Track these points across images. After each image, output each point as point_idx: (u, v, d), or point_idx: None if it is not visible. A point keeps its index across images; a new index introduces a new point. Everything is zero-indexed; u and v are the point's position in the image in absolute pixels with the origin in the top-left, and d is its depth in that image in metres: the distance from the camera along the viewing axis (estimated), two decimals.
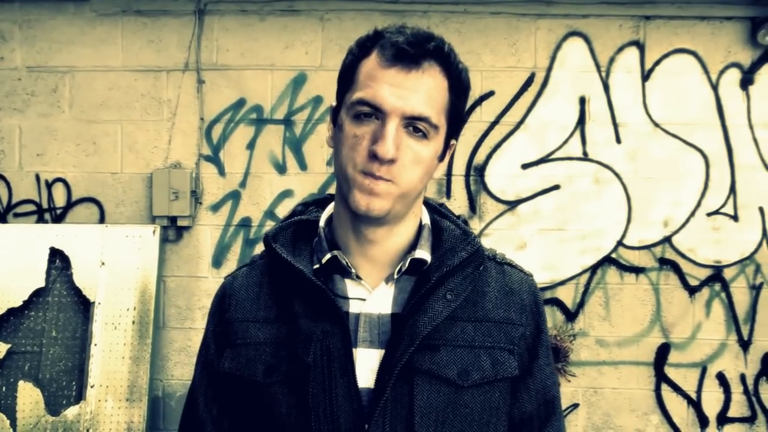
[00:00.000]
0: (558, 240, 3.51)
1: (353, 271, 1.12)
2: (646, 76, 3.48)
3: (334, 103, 1.13)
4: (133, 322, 3.30)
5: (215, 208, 3.53)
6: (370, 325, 1.10)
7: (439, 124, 1.06)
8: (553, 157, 3.49)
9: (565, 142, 3.49)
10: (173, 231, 3.51)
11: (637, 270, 3.50)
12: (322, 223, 1.19)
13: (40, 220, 3.52)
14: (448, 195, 3.51)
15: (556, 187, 3.49)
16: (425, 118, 1.03)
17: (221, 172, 3.52)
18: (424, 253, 1.13)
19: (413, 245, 1.15)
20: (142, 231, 3.40)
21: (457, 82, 1.08)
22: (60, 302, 3.36)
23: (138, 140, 3.53)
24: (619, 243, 3.51)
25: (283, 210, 3.50)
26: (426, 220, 1.19)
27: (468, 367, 1.09)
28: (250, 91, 3.50)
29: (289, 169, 3.51)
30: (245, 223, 3.51)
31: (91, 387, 3.24)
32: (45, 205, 3.52)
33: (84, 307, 3.35)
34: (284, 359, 1.09)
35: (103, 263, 3.34)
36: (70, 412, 3.25)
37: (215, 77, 3.51)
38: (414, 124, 1.04)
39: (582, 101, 3.49)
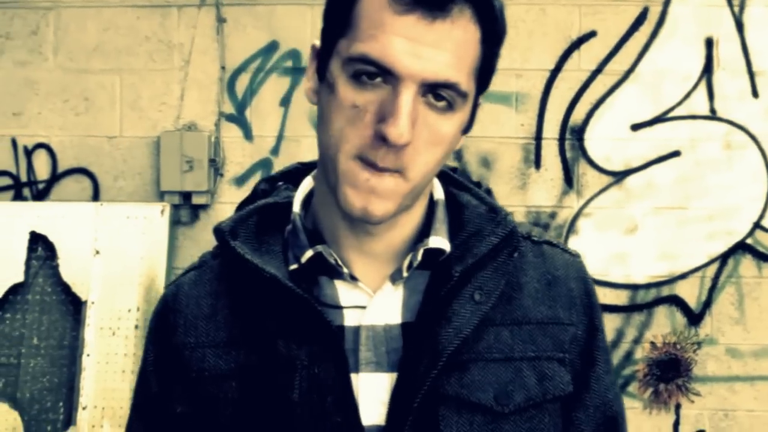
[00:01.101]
0: (678, 221, 3.27)
1: (346, 270, 1.01)
2: None
3: (317, 43, 1.00)
4: (136, 327, 3.18)
5: (240, 181, 3.35)
6: (375, 341, 0.99)
7: (469, 90, 0.93)
8: (671, 115, 3.25)
9: (687, 96, 3.24)
10: (187, 211, 3.34)
11: None
12: (297, 207, 1.07)
13: (18, 197, 3.39)
14: (538, 164, 3.28)
15: (676, 154, 3.26)
16: (452, 84, 0.90)
17: (247, 135, 3.35)
18: (440, 241, 1.02)
19: (425, 230, 1.04)
20: (147, 211, 3.27)
21: (493, 29, 0.95)
22: (43, 301, 3.25)
23: (142, 95, 3.35)
24: (757, 225, 3.26)
25: None
26: (439, 194, 1.08)
27: (508, 386, 1.00)
28: (283, 32, 3.30)
29: None
30: None
31: (83, 409, 3.12)
32: (23, 178, 3.39)
33: (74, 307, 3.23)
34: (258, 396, 0.99)
35: (97, 252, 3.22)
36: None
37: (239, 14, 3.31)
38: (436, 92, 0.91)
39: (708, 44, 3.23)
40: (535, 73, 3.28)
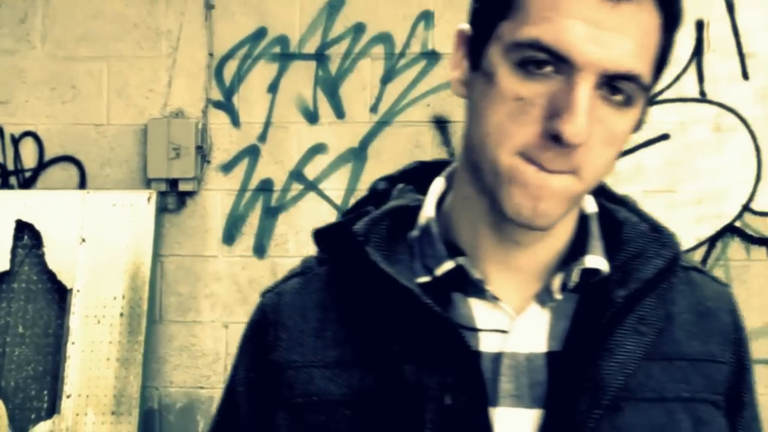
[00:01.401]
0: (667, 204, 3.29)
1: (488, 289, 0.89)
2: None
3: (466, 28, 0.90)
4: (122, 315, 3.23)
5: (227, 168, 3.38)
6: (517, 371, 0.89)
7: (649, 83, 0.83)
8: (660, 98, 3.25)
9: (677, 78, 3.26)
10: (173, 198, 3.37)
11: None
12: (431, 212, 0.96)
13: (4, 185, 3.41)
14: None
15: (665, 137, 3.28)
16: (634, 76, 0.79)
17: (235, 121, 3.37)
18: (598, 260, 0.90)
19: (578, 246, 0.93)
20: (133, 198, 3.32)
21: (674, 14, 0.84)
22: (29, 289, 3.32)
23: (129, 82, 3.38)
24: (746, 208, 3.27)
25: (314, 170, 3.35)
26: (591, 207, 0.97)
27: (660, 431, 0.90)
28: (272, 18, 3.33)
29: (321, 118, 3.34)
30: (265, 186, 3.36)
31: (68, 397, 3.17)
32: (10, 167, 3.41)
33: (59, 295, 3.29)
34: (378, 429, 0.88)
35: (83, 240, 3.27)
36: (41, 429, 3.19)
37: (228, 1, 3.34)
38: (615, 84, 0.80)
39: (699, 26, 3.25)
40: None
